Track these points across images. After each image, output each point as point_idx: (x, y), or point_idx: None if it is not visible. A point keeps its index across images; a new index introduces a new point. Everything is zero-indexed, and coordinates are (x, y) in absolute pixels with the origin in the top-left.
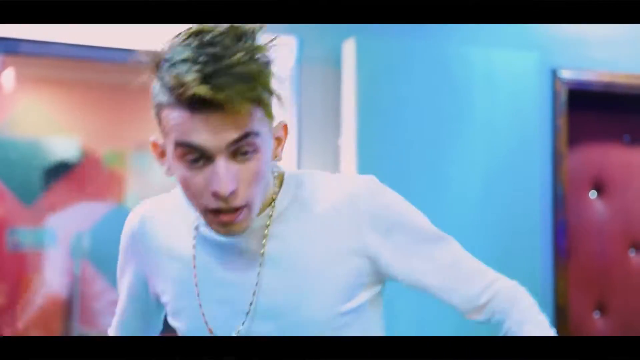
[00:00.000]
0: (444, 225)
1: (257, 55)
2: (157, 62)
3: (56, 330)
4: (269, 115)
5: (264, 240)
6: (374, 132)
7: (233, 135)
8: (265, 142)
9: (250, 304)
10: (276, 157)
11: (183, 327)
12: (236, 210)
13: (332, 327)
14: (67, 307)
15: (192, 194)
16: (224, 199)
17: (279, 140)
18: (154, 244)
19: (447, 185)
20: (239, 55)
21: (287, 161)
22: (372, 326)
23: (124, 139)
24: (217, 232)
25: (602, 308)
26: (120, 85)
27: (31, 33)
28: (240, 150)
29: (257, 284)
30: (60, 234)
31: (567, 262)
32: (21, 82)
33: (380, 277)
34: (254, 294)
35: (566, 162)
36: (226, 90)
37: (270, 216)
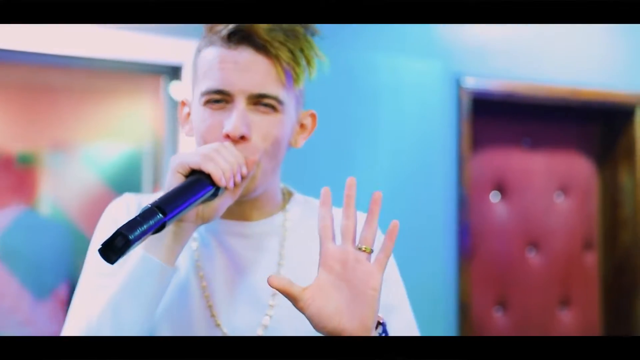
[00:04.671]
0: None
1: (304, 27)
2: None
3: None
4: (297, 81)
5: (284, 241)
6: None
7: (258, 81)
8: (289, 113)
9: (270, 305)
10: (296, 143)
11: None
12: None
13: None
14: None
15: (206, 138)
16: (235, 141)
17: (304, 128)
18: None
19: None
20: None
21: None
22: None
23: (37, 139)
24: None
25: (503, 305)
26: (35, 85)
27: None
28: (262, 101)
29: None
30: None
31: (470, 262)
32: None
33: None
34: (273, 294)
35: (469, 166)
36: (267, 31)
37: (285, 220)
